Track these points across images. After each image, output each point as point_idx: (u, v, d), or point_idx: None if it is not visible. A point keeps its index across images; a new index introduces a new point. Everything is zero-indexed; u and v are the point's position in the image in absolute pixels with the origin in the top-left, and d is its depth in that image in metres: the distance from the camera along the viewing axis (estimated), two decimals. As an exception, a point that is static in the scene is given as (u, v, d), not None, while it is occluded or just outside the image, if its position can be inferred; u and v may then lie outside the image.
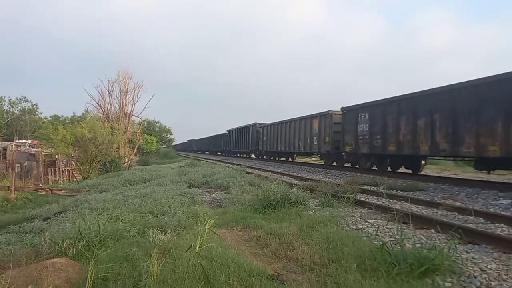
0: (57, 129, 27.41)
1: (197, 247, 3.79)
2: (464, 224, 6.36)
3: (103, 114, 38.21)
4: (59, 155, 31.63)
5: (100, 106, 38.75)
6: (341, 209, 7.94)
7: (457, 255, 4.50)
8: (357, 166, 18.58)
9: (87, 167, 26.40)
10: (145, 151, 51.46)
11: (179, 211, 7.31)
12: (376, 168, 16.87)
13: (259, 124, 35.13)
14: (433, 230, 5.96)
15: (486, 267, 4.27)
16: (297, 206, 7.93)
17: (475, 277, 3.98)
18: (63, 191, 16.91)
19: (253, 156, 39.36)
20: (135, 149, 40.32)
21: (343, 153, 19.48)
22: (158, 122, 74.80)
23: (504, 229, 6.26)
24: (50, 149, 30.61)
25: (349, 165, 20.22)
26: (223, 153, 51.26)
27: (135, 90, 39.57)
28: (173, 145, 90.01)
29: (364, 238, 5.50)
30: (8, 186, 16.79)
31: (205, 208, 8.47)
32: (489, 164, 11.71)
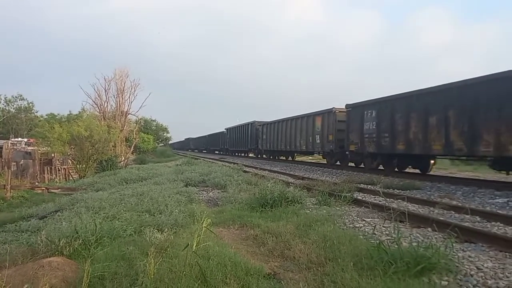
0: (53, 128, 27.33)
1: (194, 246, 3.78)
2: (461, 222, 6.39)
3: (100, 113, 38.15)
4: (56, 154, 31.53)
5: (97, 104, 38.73)
6: (338, 208, 7.96)
7: (454, 253, 4.51)
8: (362, 165, 17.96)
9: (84, 165, 26.31)
10: (141, 149, 51.39)
11: (176, 210, 7.30)
12: (382, 168, 16.17)
13: (258, 122, 34.48)
14: (429, 229, 5.98)
15: (482, 265, 4.28)
16: (294, 205, 7.93)
17: (472, 275, 3.99)
18: (59, 189, 16.84)
19: (251, 155, 38.87)
20: (132, 147, 40.22)
21: (347, 152, 18.66)
22: (155, 120, 74.80)
23: (500, 227, 6.28)
24: (46, 148, 30.53)
25: (353, 164, 19.59)
26: (221, 152, 50.75)
27: (131, 88, 39.50)
28: (170, 143, 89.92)
29: (361, 236, 5.51)
30: (4, 185, 16.72)
31: (202, 207, 8.47)
32: (510, 164, 11.05)
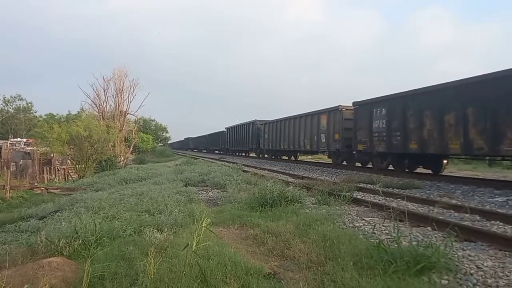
0: (53, 128, 27.28)
1: (193, 246, 3.78)
2: (460, 221, 6.39)
3: (99, 112, 38.12)
4: (55, 154, 31.49)
5: (96, 104, 38.70)
6: (337, 207, 7.96)
7: (453, 252, 4.52)
8: (371, 165, 17.26)
9: (83, 165, 26.30)
10: (141, 149, 51.36)
11: (176, 210, 7.30)
12: (393, 169, 15.51)
13: (260, 121, 33.72)
14: (429, 228, 5.99)
15: (482, 264, 4.29)
16: (293, 205, 7.94)
17: (471, 274, 4.00)
18: (58, 190, 16.83)
19: (253, 154, 38.29)
20: (131, 147, 40.21)
21: (354, 152, 17.97)
22: (154, 120, 74.73)
23: (500, 226, 6.29)
24: (46, 148, 30.46)
25: (359, 164, 19.00)
26: (221, 152, 50.35)
27: (130, 88, 39.46)
28: (169, 143, 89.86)
29: (361, 236, 5.52)
30: (3, 185, 16.69)
31: (201, 207, 8.47)
32: None
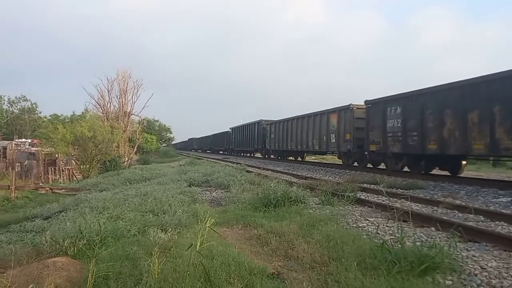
0: (57, 128, 27.36)
1: (197, 246, 3.79)
2: (464, 222, 6.38)
3: (103, 113, 38.13)
4: (59, 154, 31.61)
5: (100, 105, 38.68)
6: (341, 208, 7.96)
7: (458, 253, 4.50)
8: (384, 167, 16.58)
9: (87, 166, 26.39)
10: (145, 150, 51.47)
11: (180, 210, 7.32)
12: (408, 170, 14.87)
13: (265, 121, 33.12)
14: (433, 228, 5.97)
15: (486, 265, 4.28)
16: (297, 205, 7.93)
17: (476, 275, 3.99)
18: (63, 190, 16.89)
19: (258, 155, 37.83)
20: (135, 148, 40.29)
21: (366, 153, 17.17)
22: (157, 121, 74.93)
23: (504, 227, 6.27)
24: (50, 148, 30.56)
25: (371, 165, 18.50)
26: (225, 152, 50.06)
27: (134, 89, 39.49)
28: (173, 144, 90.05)
29: (365, 236, 5.51)
30: (9, 185, 16.76)
31: (205, 207, 8.48)
32: None
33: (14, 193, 16.18)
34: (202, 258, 3.91)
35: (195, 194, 10.37)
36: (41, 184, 22.34)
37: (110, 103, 38.90)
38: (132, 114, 40.42)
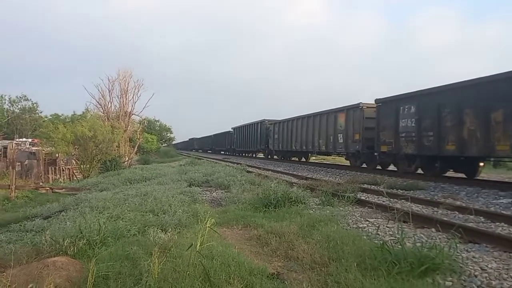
0: (58, 128, 27.40)
1: (197, 246, 3.79)
2: (465, 223, 6.37)
3: (104, 113, 38.13)
4: (60, 154, 31.63)
5: (101, 105, 38.67)
6: (341, 208, 7.95)
7: (458, 254, 4.49)
8: (396, 169, 15.76)
9: (88, 165, 26.41)
10: (145, 150, 51.48)
11: (180, 210, 7.32)
12: (422, 172, 14.24)
13: (269, 120, 32.53)
14: (433, 229, 5.97)
15: (486, 266, 4.27)
16: (297, 205, 7.93)
17: (476, 276, 3.98)
18: (63, 189, 16.90)
19: (260, 155, 37.28)
20: (135, 148, 40.30)
21: (375, 154, 16.48)
22: (158, 121, 74.95)
23: (504, 228, 6.26)
24: (51, 148, 30.59)
25: (380, 167, 17.58)
26: (227, 152, 49.63)
27: (135, 89, 39.49)
28: (174, 143, 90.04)
29: (365, 237, 5.51)
30: (9, 185, 16.79)
31: (205, 207, 8.48)
32: None
33: (15, 192, 16.21)
34: (202, 258, 3.90)
35: (195, 194, 10.37)
36: (41, 183, 22.34)
37: (111, 103, 38.91)
38: (132, 114, 40.46)
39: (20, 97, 63.89)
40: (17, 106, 64.15)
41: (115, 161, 26.08)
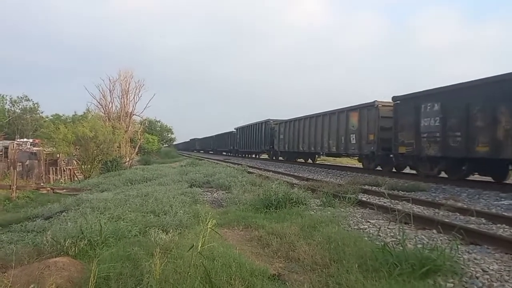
0: (59, 128, 27.49)
1: (199, 247, 3.79)
2: (466, 224, 6.35)
3: (105, 113, 38.24)
4: (61, 154, 31.67)
5: (102, 105, 38.82)
6: (342, 209, 7.94)
7: (459, 255, 4.49)
8: (415, 172, 14.79)
9: (89, 166, 26.47)
10: (146, 150, 51.49)
11: (181, 211, 7.32)
12: (446, 176, 13.21)
13: (274, 120, 31.46)
14: (434, 231, 5.96)
15: (488, 268, 4.26)
16: (298, 206, 7.93)
17: (477, 278, 3.98)
18: (64, 190, 16.93)
19: (264, 156, 36.54)
20: (136, 148, 40.33)
21: (391, 155, 15.51)
22: (159, 121, 74.96)
23: (506, 229, 6.25)
24: (52, 148, 30.66)
25: (394, 169, 16.70)
26: (229, 153, 48.96)
27: (136, 89, 39.57)
28: (175, 144, 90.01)
29: (366, 238, 5.50)
30: (10, 185, 16.83)
31: (206, 208, 8.48)
32: None
33: (16, 193, 16.23)
34: (203, 259, 3.91)
35: (196, 195, 10.37)
36: (42, 184, 22.40)
37: (112, 103, 39.06)
38: (133, 115, 40.58)
39: (21, 98, 64.11)
40: (18, 106, 64.34)
41: (116, 162, 26.09)
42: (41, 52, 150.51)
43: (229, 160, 32.32)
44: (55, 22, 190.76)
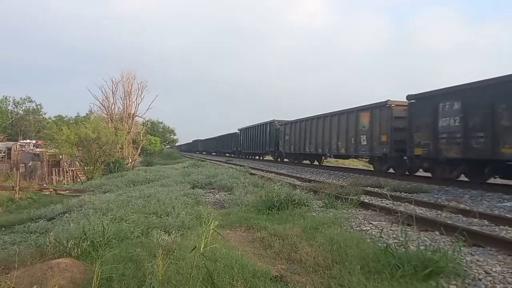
0: (61, 129, 27.53)
1: (201, 248, 3.80)
2: (469, 226, 6.34)
3: (107, 115, 38.30)
4: (63, 155, 31.75)
5: (104, 107, 38.86)
6: (344, 211, 7.94)
7: (462, 257, 4.49)
8: (430, 175, 14.04)
9: (91, 167, 26.50)
10: (148, 151, 51.55)
11: (183, 212, 7.32)
12: (467, 180, 12.64)
13: (279, 121, 30.68)
14: (437, 232, 5.94)
15: (491, 269, 4.26)
16: (300, 208, 7.93)
17: (480, 279, 3.97)
18: (67, 191, 16.95)
19: (268, 158, 36.08)
20: (139, 149, 40.37)
21: (405, 157, 14.81)
22: (161, 122, 75.06)
23: (508, 231, 6.23)
24: (54, 149, 30.75)
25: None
26: (232, 155, 48.35)
27: (138, 91, 39.64)
28: (177, 145, 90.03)
29: (368, 240, 5.50)
30: (13, 186, 16.87)
31: (208, 209, 8.49)
32: None
33: (18, 194, 16.28)
34: (205, 261, 3.91)
35: (199, 196, 10.38)
36: (45, 185, 22.42)
37: (114, 105, 39.08)
38: (136, 116, 40.61)
39: (24, 99, 64.39)
40: (21, 107, 64.62)
41: (119, 163, 26.14)
42: (41, 52, 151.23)
43: (231, 162, 32.29)
44: (55, 23, 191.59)
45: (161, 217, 7.06)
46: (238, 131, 44.50)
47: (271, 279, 4.06)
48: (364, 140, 17.52)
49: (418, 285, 3.64)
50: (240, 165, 24.17)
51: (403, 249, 4.32)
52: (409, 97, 14.12)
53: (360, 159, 21.38)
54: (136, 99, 39.72)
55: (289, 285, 3.98)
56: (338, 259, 4.50)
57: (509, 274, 4.11)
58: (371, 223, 6.82)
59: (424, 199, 9.68)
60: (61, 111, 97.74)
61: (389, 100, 15.71)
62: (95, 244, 5.11)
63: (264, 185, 11.61)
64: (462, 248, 4.59)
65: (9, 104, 63.48)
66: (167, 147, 76.36)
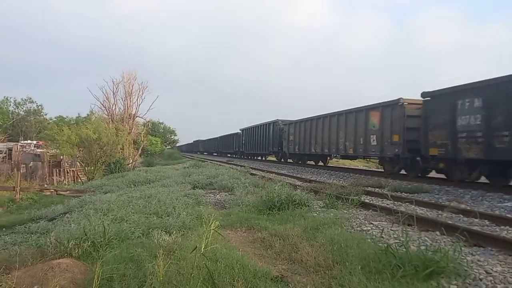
0: (62, 130, 27.54)
1: (202, 248, 3.80)
2: (469, 226, 6.34)
3: (108, 115, 38.29)
4: (64, 156, 31.76)
5: (105, 107, 38.82)
6: (345, 211, 7.94)
7: (463, 257, 4.49)
8: (446, 176, 13.49)
9: (92, 168, 26.51)
10: (149, 152, 51.56)
11: (184, 212, 7.33)
12: (488, 182, 11.99)
13: (282, 121, 30.07)
14: (438, 232, 5.94)
15: (491, 269, 4.26)
16: (301, 208, 7.93)
17: (481, 279, 3.97)
18: (68, 191, 16.96)
19: (270, 158, 35.62)
20: (140, 150, 40.36)
21: (418, 158, 14.18)
22: (162, 123, 75.11)
23: (509, 231, 6.23)
24: (55, 150, 30.76)
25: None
26: (234, 155, 47.96)
27: (139, 91, 39.62)
28: (178, 146, 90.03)
29: (369, 240, 5.50)
30: (14, 187, 16.88)
31: (209, 209, 8.50)
32: None
33: (19, 194, 16.29)
34: (206, 261, 3.91)
35: (199, 197, 10.38)
36: (46, 185, 22.46)
37: (115, 105, 39.05)
38: (137, 116, 40.60)
39: (25, 100, 64.43)
40: (22, 108, 64.67)
41: (119, 163, 26.11)
42: (41, 52, 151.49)
43: (231, 162, 32.28)
44: (55, 23, 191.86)
45: (161, 218, 7.06)
46: (240, 131, 44.13)
47: (271, 279, 4.06)
48: (374, 140, 16.78)
49: (419, 285, 3.64)
50: (241, 166, 24.17)
51: (404, 249, 4.32)
52: (424, 94, 13.42)
53: (368, 160, 20.72)
54: (137, 99, 39.73)
55: (290, 285, 3.98)
56: (338, 259, 4.50)
57: (510, 274, 4.11)
58: (371, 223, 6.82)
59: (425, 199, 9.68)
60: (61, 111, 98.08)
61: (401, 98, 14.93)
62: (96, 244, 5.11)
63: (264, 186, 11.62)
64: (463, 248, 4.58)
65: (10, 105, 63.60)
66: (167, 147, 76.43)
